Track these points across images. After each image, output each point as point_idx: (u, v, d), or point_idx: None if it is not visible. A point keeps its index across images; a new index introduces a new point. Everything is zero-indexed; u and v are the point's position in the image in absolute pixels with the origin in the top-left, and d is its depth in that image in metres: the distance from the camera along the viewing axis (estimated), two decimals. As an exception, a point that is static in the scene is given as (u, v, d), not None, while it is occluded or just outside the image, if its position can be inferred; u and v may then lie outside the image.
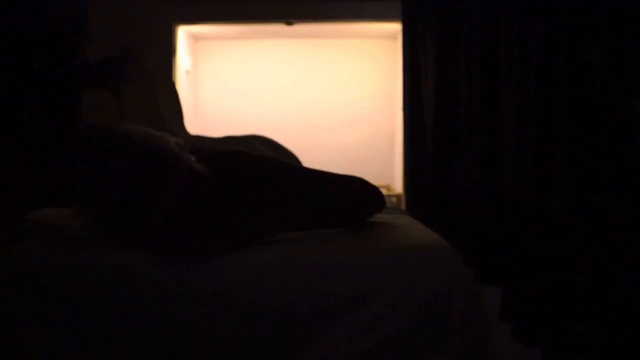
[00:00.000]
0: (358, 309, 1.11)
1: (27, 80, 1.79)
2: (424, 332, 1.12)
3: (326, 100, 5.55)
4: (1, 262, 1.18)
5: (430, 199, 2.54)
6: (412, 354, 1.11)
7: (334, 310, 1.11)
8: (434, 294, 1.13)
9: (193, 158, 1.24)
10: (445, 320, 1.12)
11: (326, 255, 1.18)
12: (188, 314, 1.10)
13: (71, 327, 1.11)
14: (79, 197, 1.20)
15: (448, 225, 2.29)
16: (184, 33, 5.39)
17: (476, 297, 1.17)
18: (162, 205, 1.15)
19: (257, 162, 1.40)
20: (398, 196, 4.96)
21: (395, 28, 4.92)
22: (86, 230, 1.29)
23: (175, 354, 1.10)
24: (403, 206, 3.97)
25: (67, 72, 1.95)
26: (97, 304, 1.12)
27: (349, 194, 1.38)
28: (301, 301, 1.11)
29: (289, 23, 4.47)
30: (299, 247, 1.23)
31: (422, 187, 2.75)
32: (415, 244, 1.24)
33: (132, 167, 1.14)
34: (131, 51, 2.44)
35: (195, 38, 5.94)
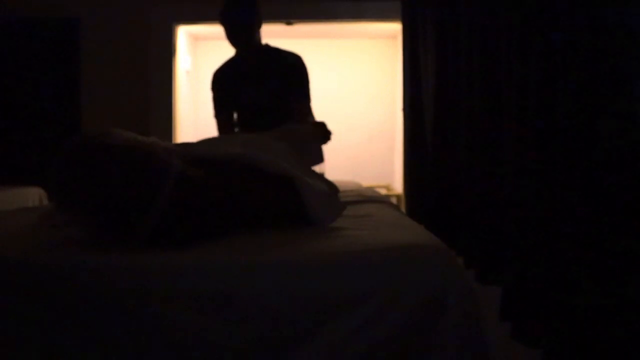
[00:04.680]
0: (347, 313, 1.08)
1: None
2: (418, 337, 1.08)
3: (326, 100, 5.55)
4: (1, 263, 1.18)
5: (430, 200, 2.54)
6: (404, 359, 1.09)
7: (322, 313, 1.08)
8: (429, 297, 1.10)
9: (181, 162, 1.24)
10: (440, 325, 1.09)
11: (315, 256, 1.16)
12: (178, 316, 1.09)
13: (64, 328, 1.10)
14: (70, 203, 1.21)
15: (448, 225, 2.29)
16: (184, 33, 5.39)
17: (473, 300, 1.14)
18: (153, 211, 1.15)
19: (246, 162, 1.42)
20: (398, 196, 4.96)
21: (395, 28, 4.92)
22: (76, 231, 1.29)
23: (165, 356, 1.09)
24: (403, 206, 3.97)
25: None
26: (90, 305, 1.11)
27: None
28: (289, 304, 1.09)
29: (289, 23, 4.47)
30: (285, 248, 1.21)
31: (422, 187, 2.75)
32: (409, 244, 1.22)
33: (121, 174, 1.15)
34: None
35: (195, 38, 5.94)
